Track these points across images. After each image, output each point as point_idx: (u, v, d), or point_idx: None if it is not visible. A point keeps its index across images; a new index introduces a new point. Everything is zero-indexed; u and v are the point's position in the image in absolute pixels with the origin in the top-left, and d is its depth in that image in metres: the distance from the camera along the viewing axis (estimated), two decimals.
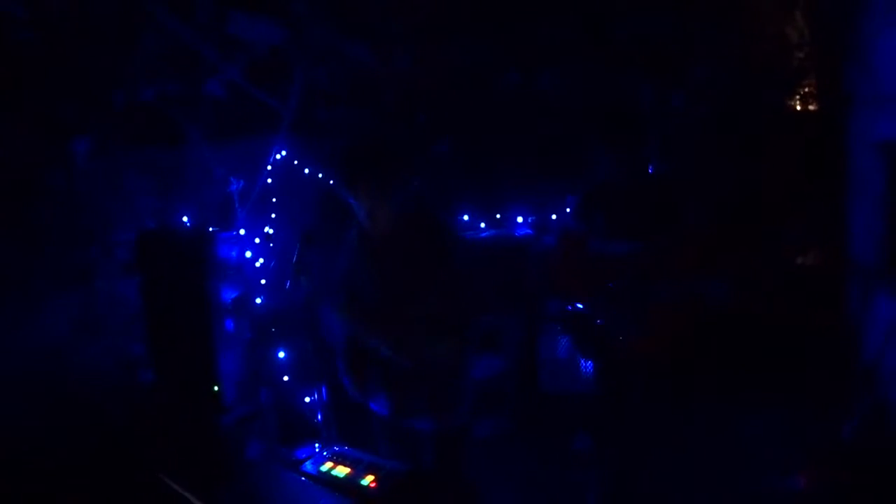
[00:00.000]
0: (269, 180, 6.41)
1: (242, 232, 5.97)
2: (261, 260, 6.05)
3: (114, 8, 6.59)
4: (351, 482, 4.03)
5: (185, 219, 6.39)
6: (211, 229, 5.80)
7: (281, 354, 5.75)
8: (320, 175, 6.53)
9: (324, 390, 5.33)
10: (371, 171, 4.08)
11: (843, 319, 6.71)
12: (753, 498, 5.65)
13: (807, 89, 7.57)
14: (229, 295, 5.75)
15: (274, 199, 6.39)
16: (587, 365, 5.63)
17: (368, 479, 4.01)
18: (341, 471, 4.14)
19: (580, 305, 5.15)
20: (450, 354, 4.36)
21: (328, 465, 4.22)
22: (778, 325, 6.81)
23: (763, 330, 6.81)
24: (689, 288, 4.94)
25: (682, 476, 5.68)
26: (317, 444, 4.54)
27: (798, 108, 7.63)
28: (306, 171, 6.60)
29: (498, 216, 7.13)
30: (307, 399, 5.70)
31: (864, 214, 6.47)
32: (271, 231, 6.24)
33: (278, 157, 6.49)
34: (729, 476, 5.72)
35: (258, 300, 5.92)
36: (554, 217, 6.92)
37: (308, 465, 4.25)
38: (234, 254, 5.83)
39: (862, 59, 6.33)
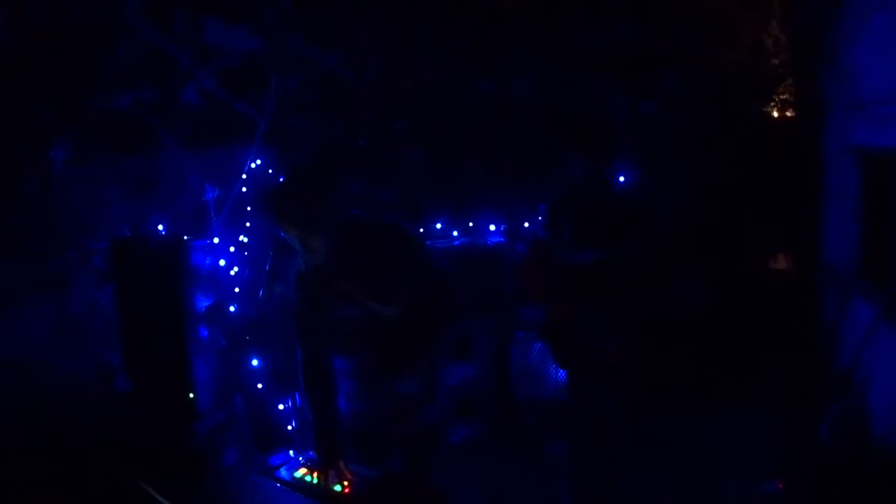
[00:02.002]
0: (244, 189, 6.40)
1: (217, 240, 5.98)
2: (235, 268, 6.06)
3: (90, 15, 6.57)
4: (324, 488, 4.03)
5: (159, 227, 6.38)
6: (185, 237, 5.81)
7: (255, 362, 5.77)
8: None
9: (297, 397, 5.34)
10: (293, 206, 4.12)
11: (818, 324, 6.75)
12: (730, 502, 5.66)
13: (784, 96, 7.60)
14: (203, 303, 5.76)
15: (249, 208, 6.39)
16: (559, 371, 5.64)
17: (342, 485, 4.01)
18: (315, 477, 4.14)
19: (552, 313, 5.17)
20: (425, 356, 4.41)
21: (302, 471, 4.22)
22: (754, 330, 6.85)
23: (739, 335, 6.85)
24: (662, 294, 4.95)
25: (656, 481, 5.71)
26: (291, 451, 4.53)
27: (776, 114, 7.67)
28: (281, 180, 6.60)
29: (471, 224, 7.14)
30: (281, 406, 5.71)
31: (839, 220, 6.51)
32: (246, 240, 6.24)
33: (253, 165, 6.49)
34: (704, 480, 5.74)
35: (232, 308, 5.92)
36: (526, 225, 6.93)
37: (282, 472, 4.24)
38: (208, 262, 5.84)
39: (836, 66, 6.38)
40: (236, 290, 6.03)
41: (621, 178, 5.19)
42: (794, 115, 7.50)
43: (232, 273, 6.04)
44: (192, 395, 5.56)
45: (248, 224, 6.33)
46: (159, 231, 6.36)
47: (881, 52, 5.57)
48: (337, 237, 4.17)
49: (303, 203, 4.10)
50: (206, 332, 5.74)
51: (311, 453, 4.46)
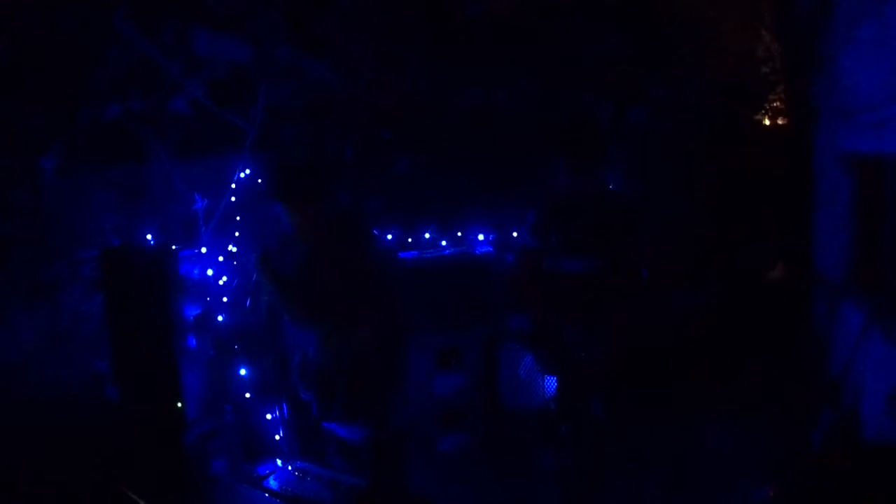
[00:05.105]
0: (233, 198, 6.40)
1: (204, 250, 5.98)
2: (224, 278, 6.05)
3: (79, 25, 6.58)
4: (312, 498, 4.03)
5: (148, 236, 6.37)
6: (174, 247, 5.82)
7: (243, 371, 5.76)
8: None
9: (285, 407, 5.34)
10: (298, 185, 4.53)
11: (809, 330, 6.74)
12: None
13: (776, 104, 7.61)
14: (192, 312, 5.76)
15: (238, 218, 6.39)
16: (548, 381, 5.62)
17: (330, 495, 4.02)
18: (303, 486, 4.14)
19: (540, 321, 5.17)
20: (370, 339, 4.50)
21: (290, 480, 4.22)
22: (745, 338, 6.84)
23: (730, 342, 6.83)
24: (651, 302, 4.95)
25: (646, 488, 5.71)
26: (279, 460, 4.53)
27: (767, 122, 7.67)
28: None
29: (459, 234, 7.13)
30: (269, 416, 5.70)
31: (829, 227, 6.50)
32: (234, 249, 6.24)
33: (242, 175, 6.48)
34: (695, 487, 5.73)
35: (220, 318, 5.92)
36: (514, 234, 6.92)
37: (270, 481, 4.25)
38: (196, 271, 5.85)
39: (826, 74, 6.37)
40: (224, 299, 6.02)
41: (610, 187, 5.19)
42: (785, 122, 7.50)
43: (220, 282, 6.04)
44: (180, 405, 5.57)
45: (236, 233, 6.33)
46: (148, 240, 6.36)
47: (869, 58, 5.57)
48: (325, 226, 4.53)
49: (308, 179, 4.59)
50: (194, 342, 5.75)
51: (299, 463, 4.46)
